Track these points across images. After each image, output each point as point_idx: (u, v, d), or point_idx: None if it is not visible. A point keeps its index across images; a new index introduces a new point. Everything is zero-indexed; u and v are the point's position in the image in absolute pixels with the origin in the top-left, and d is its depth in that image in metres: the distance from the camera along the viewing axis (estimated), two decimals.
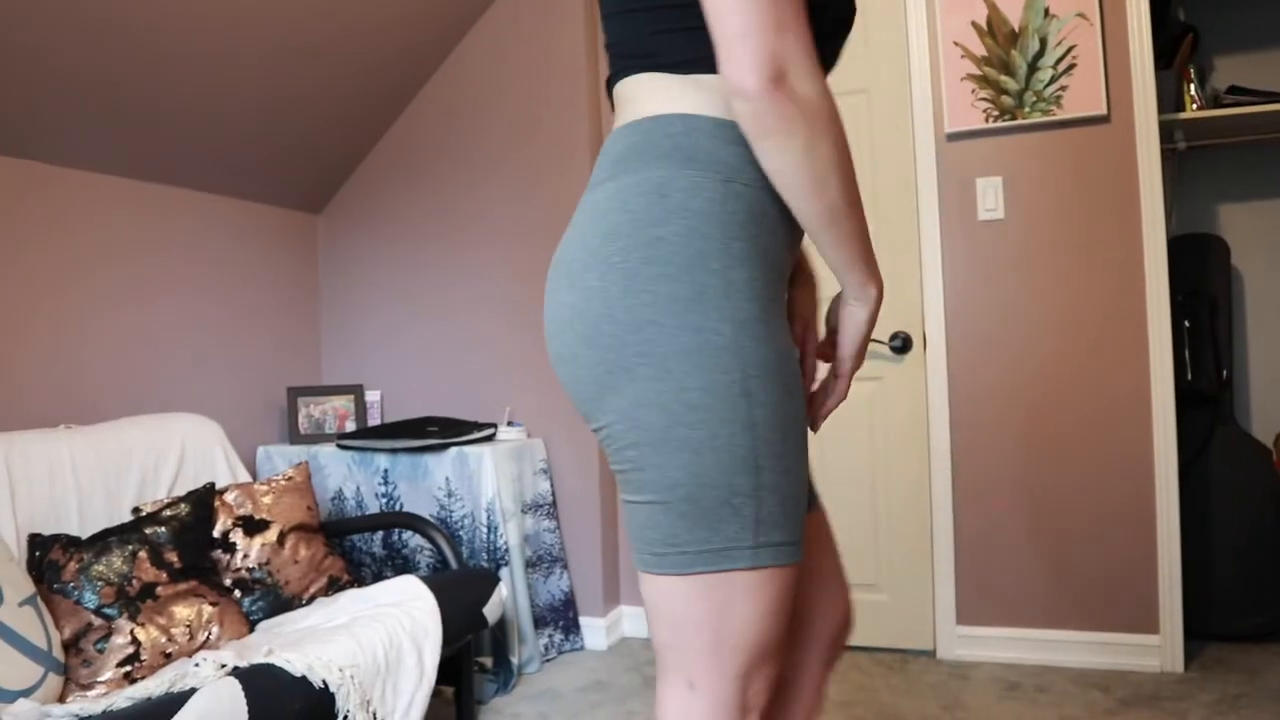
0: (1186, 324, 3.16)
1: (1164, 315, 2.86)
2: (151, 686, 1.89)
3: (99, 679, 2.07)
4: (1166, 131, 3.10)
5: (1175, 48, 3.13)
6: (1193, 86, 3.06)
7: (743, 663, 1.00)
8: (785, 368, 0.97)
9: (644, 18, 1.03)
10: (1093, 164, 2.95)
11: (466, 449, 3.09)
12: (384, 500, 3.21)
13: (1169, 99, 3.04)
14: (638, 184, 0.98)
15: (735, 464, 0.94)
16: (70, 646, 2.10)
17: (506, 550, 3.03)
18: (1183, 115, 3.00)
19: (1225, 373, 3.16)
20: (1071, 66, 2.92)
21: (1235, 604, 3.03)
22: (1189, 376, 3.14)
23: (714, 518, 0.95)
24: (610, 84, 1.11)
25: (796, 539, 0.99)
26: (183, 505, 2.47)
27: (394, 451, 3.19)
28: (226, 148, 3.19)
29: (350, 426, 3.54)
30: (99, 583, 2.18)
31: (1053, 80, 2.94)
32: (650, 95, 1.03)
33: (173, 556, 2.34)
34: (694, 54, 1.00)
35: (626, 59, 1.05)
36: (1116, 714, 2.53)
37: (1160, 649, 2.85)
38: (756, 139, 0.94)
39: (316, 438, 3.49)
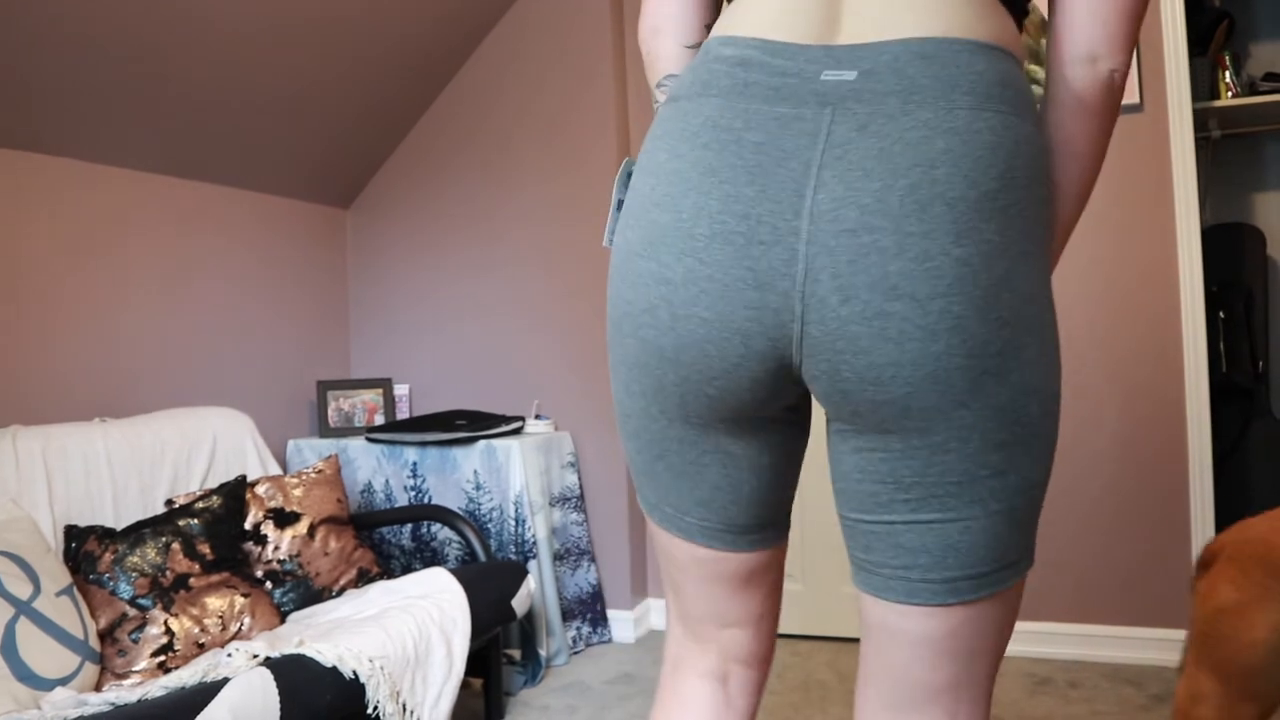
0: (1221, 315, 3.12)
1: (1198, 306, 2.82)
2: (185, 676, 1.91)
3: (134, 668, 2.10)
4: (1200, 120, 3.06)
5: (1210, 34, 3.08)
6: (1228, 74, 3.02)
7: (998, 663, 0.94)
8: None
9: None
10: (1125, 153, 2.91)
11: (495, 442, 3.10)
12: (413, 493, 3.22)
13: (1203, 87, 2.99)
14: (1026, 128, 0.82)
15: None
16: (106, 636, 2.13)
17: (534, 543, 3.04)
18: (1217, 103, 2.95)
19: (1261, 364, 3.11)
20: None
21: None
22: (1224, 369, 3.10)
23: (1036, 516, 0.86)
24: None
25: None
26: (215, 497, 2.49)
27: (423, 445, 3.21)
28: (257, 144, 3.22)
29: (379, 420, 3.57)
30: (133, 574, 2.20)
31: None
32: (969, 9, 0.85)
33: (205, 548, 2.37)
34: None
35: None
36: (1150, 710, 2.51)
37: None
38: (1094, 113, 0.90)
39: (346, 431, 3.52)
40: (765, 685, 1.12)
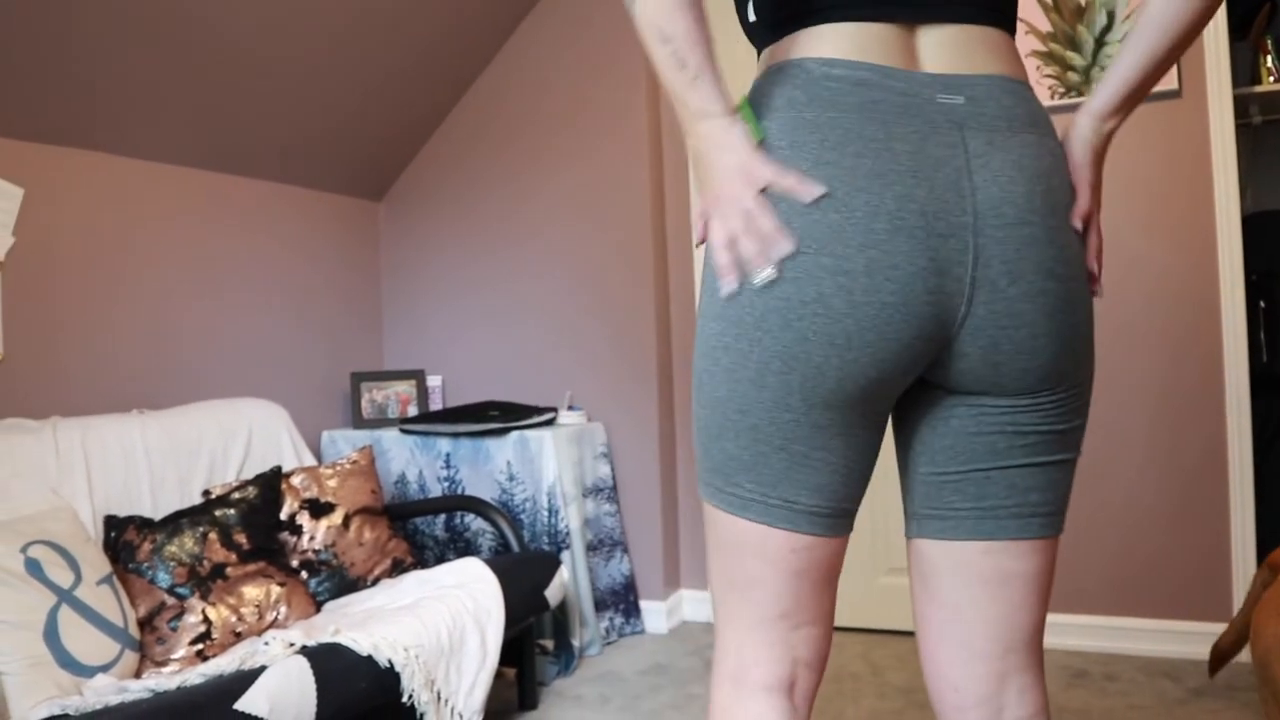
0: (1261, 304, 3.07)
1: (1238, 295, 2.77)
2: (223, 664, 1.94)
3: (173, 656, 2.13)
4: (1241, 106, 3.00)
5: (1251, 18, 3.03)
6: (1269, 58, 2.96)
7: None
8: None
9: None
10: (1163, 141, 2.87)
11: (527, 433, 3.11)
12: (446, 484, 3.24)
13: (1244, 72, 2.94)
14: (1062, 150, 1.03)
15: None
16: (145, 624, 2.16)
17: (567, 534, 3.05)
18: (1259, 88, 2.90)
19: None
20: None
21: None
22: (1264, 359, 3.05)
23: None
24: (944, 13, 1.02)
25: None
26: (251, 488, 2.52)
27: (455, 436, 3.22)
28: (290, 138, 3.24)
29: (412, 411, 3.59)
30: (172, 563, 2.23)
31: None
32: (1012, 56, 1.04)
33: (242, 538, 2.39)
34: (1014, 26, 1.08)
35: (986, 5, 1.02)
36: (1188, 704, 2.48)
37: None
38: None
39: (379, 422, 3.54)
40: None
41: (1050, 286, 0.96)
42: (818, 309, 0.93)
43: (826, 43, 0.99)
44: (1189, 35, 1.02)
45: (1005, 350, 0.96)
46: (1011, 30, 1.05)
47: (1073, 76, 2.92)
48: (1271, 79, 2.95)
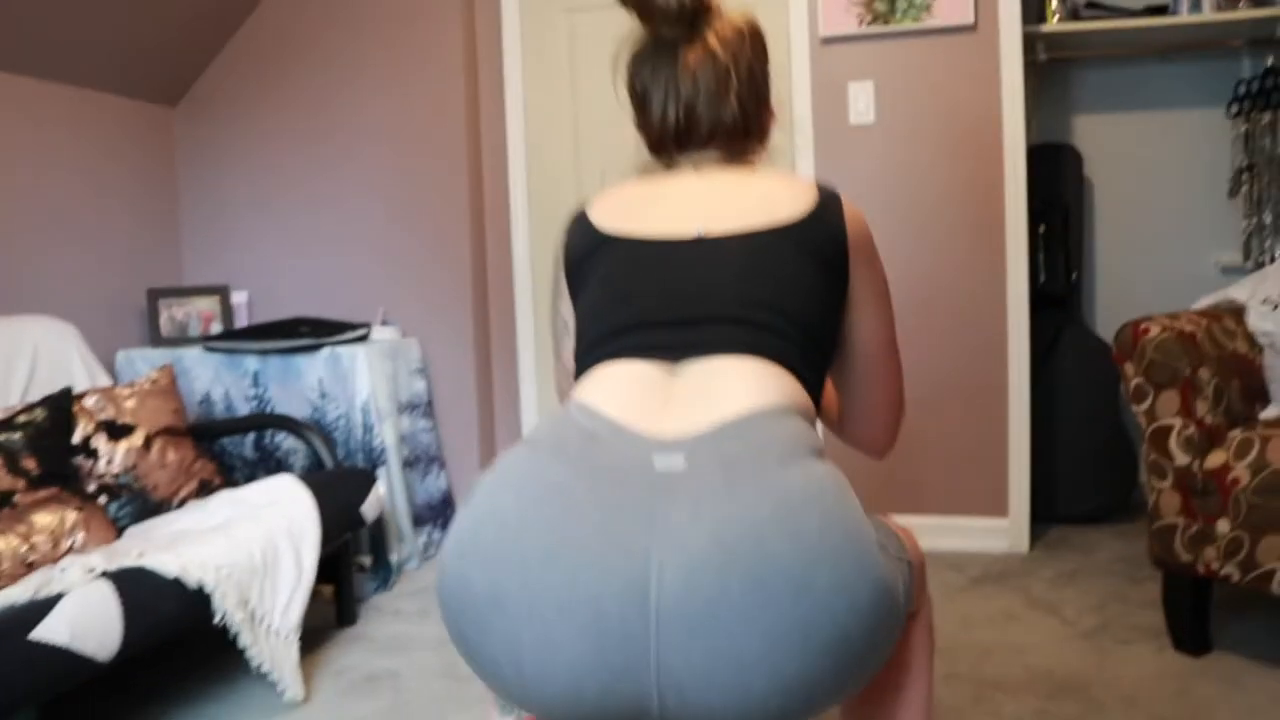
0: (1041, 228, 3.31)
1: (1021, 220, 2.99)
2: (15, 594, 1.83)
3: None
4: (1030, 43, 3.19)
5: None
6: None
7: None
8: None
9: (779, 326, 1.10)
10: (959, 72, 3.02)
11: (339, 349, 3.04)
12: (255, 403, 3.13)
13: (1032, 10, 3.12)
14: (821, 467, 0.95)
15: None
16: None
17: (383, 450, 3.02)
18: (1045, 28, 3.09)
19: (1075, 275, 3.34)
20: None
21: (1076, 489, 3.27)
22: (1042, 279, 3.30)
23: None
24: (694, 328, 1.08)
25: None
26: (38, 410, 2.36)
27: (264, 353, 3.11)
28: (72, 33, 2.98)
29: (216, 329, 3.43)
30: None
31: None
32: (768, 384, 1.03)
33: (30, 464, 2.25)
34: (813, 375, 1.13)
35: (745, 341, 1.07)
36: (968, 591, 2.72)
37: (1008, 531, 3.06)
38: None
39: (180, 341, 3.37)
40: None
41: (757, 684, 0.84)
42: (493, 667, 0.91)
43: (599, 390, 1.04)
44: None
45: None
46: (780, 359, 1.06)
47: (879, 6, 3.02)
48: (1056, 19, 3.15)
